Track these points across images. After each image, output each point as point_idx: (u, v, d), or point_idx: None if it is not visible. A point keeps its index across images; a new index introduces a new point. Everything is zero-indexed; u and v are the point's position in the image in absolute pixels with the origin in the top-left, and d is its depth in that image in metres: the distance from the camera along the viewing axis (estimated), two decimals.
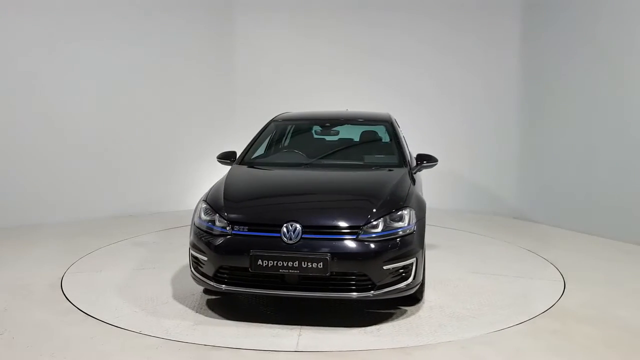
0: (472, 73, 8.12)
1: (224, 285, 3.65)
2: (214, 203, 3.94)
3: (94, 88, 7.17)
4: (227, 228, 3.69)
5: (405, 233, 3.70)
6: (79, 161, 7.14)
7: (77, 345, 3.34)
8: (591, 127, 6.68)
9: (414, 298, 4.02)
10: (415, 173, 4.61)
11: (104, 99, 7.26)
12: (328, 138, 5.43)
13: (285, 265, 3.48)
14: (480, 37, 8.05)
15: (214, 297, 4.15)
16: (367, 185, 4.22)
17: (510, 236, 6.45)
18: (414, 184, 4.34)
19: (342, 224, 3.64)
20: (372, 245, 3.57)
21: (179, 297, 4.19)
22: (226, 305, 4.03)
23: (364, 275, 3.53)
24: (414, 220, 3.78)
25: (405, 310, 3.92)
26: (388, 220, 3.70)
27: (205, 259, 3.70)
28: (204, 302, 4.06)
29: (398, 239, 3.65)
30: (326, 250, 3.51)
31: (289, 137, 5.53)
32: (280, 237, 3.56)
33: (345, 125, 5.46)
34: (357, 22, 8.20)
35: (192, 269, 3.88)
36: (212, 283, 3.69)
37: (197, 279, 3.82)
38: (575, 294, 4.41)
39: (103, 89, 7.23)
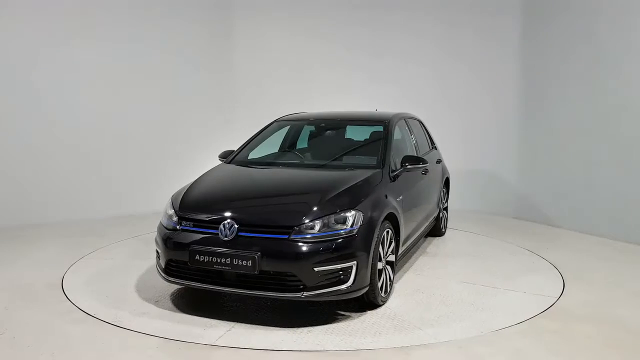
0: (472, 73, 8.13)
1: (172, 278, 3.85)
2: (174, 199, 4.14)
3: (94, 88, 7.17)
4: (178, 224, 3.88)
5: (345, 235, 3.62)
6: (79, 161, 7.15)
7: (77, 345, 3.35)
8: (591, 127, 6.69)
9: (372, 304, 3.94)
10: (397, 175, 4.53)
11: (104, 99, 7.26)
12: (322, 139, 5.47)
13: (218, 261, 3.58)
14: (481, 37, 8.07)
15: (180, 287, 4.29)
16: (320, 185, 4.10)
17: (510, 236, 6.45)
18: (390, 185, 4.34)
19: (276, 223, 3.66)
20: (303, 246, 3.53)
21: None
22: (186, 298, 4.16)
23: (294, 275, 3.52)
24: (359, 224, 3.69)
25: (350, 315, 3.83)
26: (330, 221, 3.65)
27: (160, 252, 3.93)
28: (169, 294, 4.22)
29: (334, 241, 3.58)
30: (256, 248, 3.55)
31: (286, 137, 5.55)
32: (218, 234, 3.65)
33: (346, 126, 5.45)
34: (358, 22, 8.20)
35: (156, 261, 4.12)
36: (164, 275, 3.90)
37: (157, 271, 4.05)
38: (575, 294, 4.41)
39: (103, 89, 7.23)
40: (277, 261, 3.53)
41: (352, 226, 3.67)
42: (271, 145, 5.40)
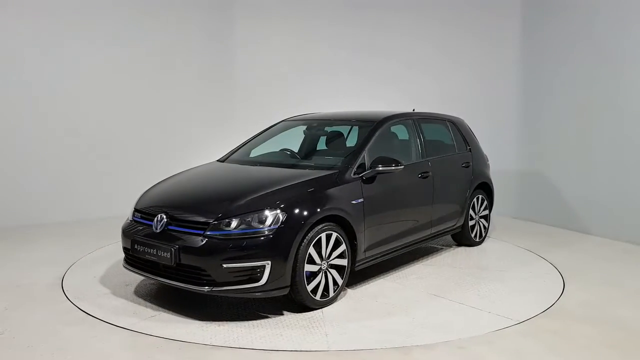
0: (472, 72, 8.14)
1: (129, 266, 4.15)
2: (140, 194, 4.47)
3: (94, 88, 7.17)
4: (132, 216, 4.23)
5: (260, 234, 3.64)
6: (79, 161, 7.15)
7: (77, 345, 3.35)
8: (591, 127, 6.69)
9: (306, 306, 3.87)
10: (367, 177, 4.36)
11: (103, 100, 7.26)
12: (315, 139, 5.45)
13: (148, 251, 3.85)
14: (480, 36, 8.07)
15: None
16: (257, 184, 4.10)
17: (510, 236, 6.46)
18: (357, 186, 4.24)
19: (196, 219, 3.78)
20: (212, 242, 3.62)
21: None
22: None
23: (205, 270, 3.61)
24: (278, 224, 3.68)
25: (268, 315, 3.82)
26: (251, 219, 3.68)
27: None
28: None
29: (246, 239, 3.62)
30: (176, 242, 3.72)
31: (284, 137, 5.53)
32: (152, 226, 3.91)
33: (342, 126, 5.38)
34: (358, 23, 8.19)
35: None
36: (123, 264, 4.24)
37: None
38: (575, 294, 4.42)
39: (102, 90, 7.23)
40: (190, 255, 3.66)
41: (270, 225, 3.68)
42: (276, 144, 5.41)
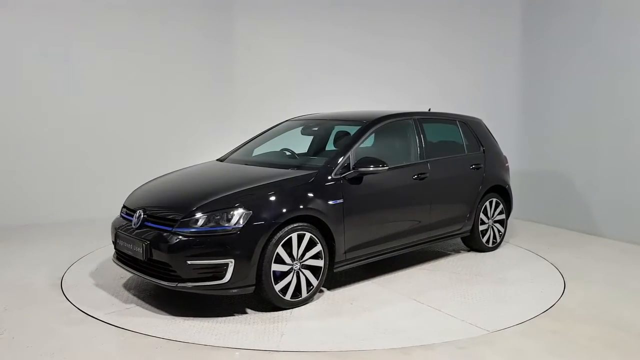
0: (472, 74, 8.14)
1: (117, 261, 4.26)
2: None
3: (93, 88, 7.16)
4: (121, 212, 4.40)
5: (223, 233, 3.67)
6: (79, 161, 7.14)
7: (77, 345, 3.34)
8: (591, 127, 6.69)
9: (275, 306, 3.86)
10: (350, 177, 4.27)
11: (103, 100, 7.24)
12: (322, 139, 5.38)
13: (127, 246, 3.99)
14: (481, 38, 8.08)
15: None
16: (231, 182, 4.15)
17: (510, 236, 6.45)
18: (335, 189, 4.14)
19: (167, 215, 3.87)
20: (179, 239, 3.68)
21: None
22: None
23: (170, 266, 3.69)
24: (243, 223, 3.69)
25: (233, 314, 3.84)
26: (219, 217, 3.72)
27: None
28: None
29: (211, 237, 3.67)
30: (148, 238, 3.81)
31: (284, 137, 5.51)
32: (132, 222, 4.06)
33: (343, 125, 5.28)
34: (358, 23, 8.18)
35: None
36: (113, 259, 4.35)
37: None
38: (575, 294, 4.41)
39: (102, 90, 7.22)
40: (157, 251, 3.74)
41: (236, 224, 3.69)
42: (279, 144, 5.37)
